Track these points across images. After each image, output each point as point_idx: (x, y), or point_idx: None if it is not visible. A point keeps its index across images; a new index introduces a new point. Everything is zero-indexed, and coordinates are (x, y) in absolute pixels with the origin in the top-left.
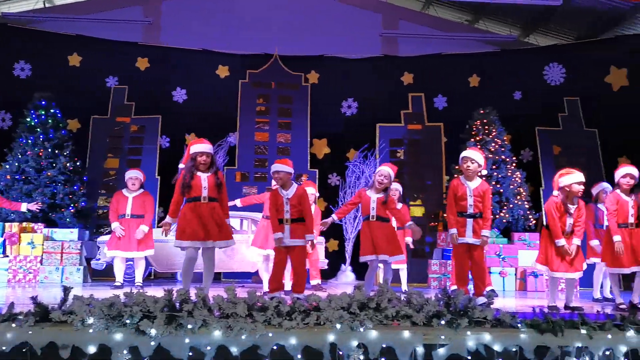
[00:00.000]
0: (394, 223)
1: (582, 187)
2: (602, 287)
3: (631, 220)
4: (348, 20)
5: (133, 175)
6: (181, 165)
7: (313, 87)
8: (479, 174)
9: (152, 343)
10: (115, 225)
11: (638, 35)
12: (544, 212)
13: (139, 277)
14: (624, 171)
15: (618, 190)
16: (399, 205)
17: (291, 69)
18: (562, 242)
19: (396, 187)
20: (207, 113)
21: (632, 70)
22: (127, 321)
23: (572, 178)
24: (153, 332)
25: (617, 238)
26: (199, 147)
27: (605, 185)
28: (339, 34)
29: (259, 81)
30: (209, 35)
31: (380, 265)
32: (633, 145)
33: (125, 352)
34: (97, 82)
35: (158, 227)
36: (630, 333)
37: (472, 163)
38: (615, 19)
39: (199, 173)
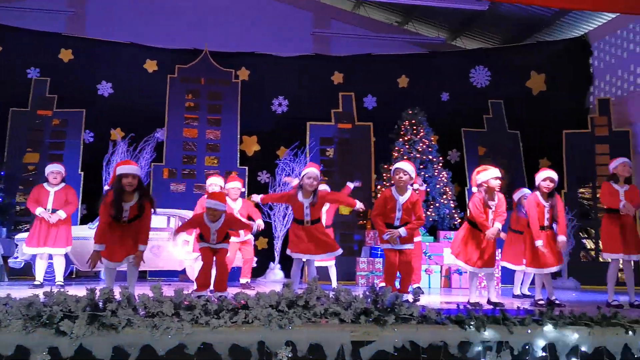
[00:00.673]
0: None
1: (498, 181)
2: (521, 283)
3: (546, 223)
4: (279, 17)
5: (54, 169)
6: (107, 187)
7: (243, 84)
8: (411, 185)
9: (73, 344)
10: (39, 210)
11: (555, 42)
12: (468, 210)
13: (59, 276)
14: (545, 175)
15: (537, 193)
16: (327, 206)
17: (221, 65)
18: (539, 242)
19: (324, 188)
20: (133, 108)
21: (550, 76)
22: (47, 321)
23: (488, 174)
24: (74, 332)
25: (539, 243)
26: (124, 168)
27: (526, 191)
28: (270, 32)
29: (188, 76)
30: (137, 29)
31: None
32: (552, 147)
33: (44, 353)
34: (17, 73)
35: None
36: (548, 328)
37: (405, 175)
38: (537, 24)
39: (124, 199)
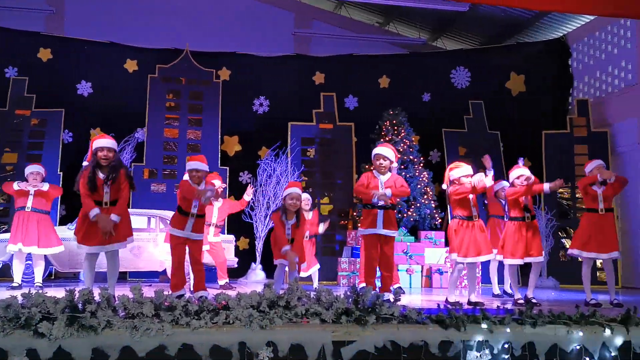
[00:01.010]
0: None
1: (469, 179)
2: (499, 282)
3: (526, 213)
4: (260, 17)
5: (34, 170)
6: (85, 163)
7: (224, 84)
8: (391, 169)
9: (52, 345)
10: (16, 183)
11: (535, 43)
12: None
13: (38, 277)
14: (518, 173)
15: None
16: (310, 215)
17: (202, 65)
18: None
19: (307, 197)
20: (113, 108)
21: (529, 77)
22: (25, 323)
23: (461, 171)
24: (53, 334)
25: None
26: (101, 142)
27: (505, 183)
28: (251, 31)
29: (169, 76)
30: (117, 28)
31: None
32: (531, 148)
33: (22, 355)
34: None
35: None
36: (527, 327)
37: (385, 160)
38: (517, 26)
39: (100, 175)
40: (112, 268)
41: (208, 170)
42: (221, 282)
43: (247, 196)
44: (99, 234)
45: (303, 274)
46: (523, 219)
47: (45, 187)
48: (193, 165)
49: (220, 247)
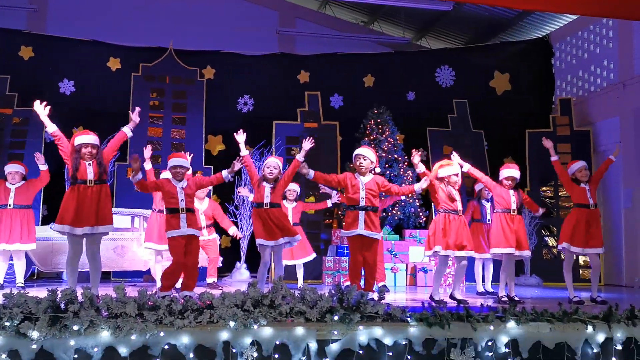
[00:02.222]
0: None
1: (457, 178)
2: (483, 280)
3: (513, 206)
4: (244, 16)
5: (12, 170)
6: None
7: (209, 83)
8: (372, 171)
9: (34, 346)
10: None
11: (518, 42)
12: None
13: (19, 277)
14: (506, 174)
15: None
16: (294, 204)
17: (186, 63)
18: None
19: (293, 188)
20: (96, 106)
21: (513, 76)
22: (7, 323)
23: (450, 170)
24: (35, 334)
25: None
26: (83, 138)
27: None
28: (235, 30)
29: (153, 75)
30: (100, 26)
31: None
32: (515, 146)
33: (4, 356)
34: None
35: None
36: (511, 324)
37: (365, 160)
38: (500, 25)
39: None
40: (95, 267)
41: (189, 167)
42: (209, 280)
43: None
44: (84, 215)
45: (289, 262)
46: (508, 212)
47: (44, 167)
48: (175, 162)
49: (215, 243)
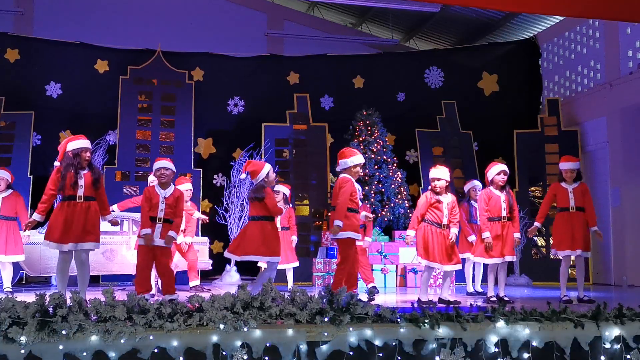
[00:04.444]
0: (278, 223)
1: (443, 182)
2: (473, 281)
3: (504, 213)
4: (233, 18)
5: None
6: (57, 163)
7: (198, 85)
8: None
9: (22, 351)
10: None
11: (506, 43)
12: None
13: (7, 282)
14: (499, 168)
15: (491, 188)
16: (286, 207)
17: (175, 65)
18: (486, 234)
19: (283, 190)
20: (84, 109)
21: (501, 77)
22: None
23: (435, 173)
24: (23, 339)
25: (486, 235)
26: (84, 142)
27: (476, 183)
28: (223, 32)
29: (141, 77)
30: (87, 28)
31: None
32: (504, 147)
33: None
34: None
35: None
36: (500, 324)
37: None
38: (488, 26)
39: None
40: (82, 271)
41: (175, 170)
42: (192, 283)
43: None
44: (73, 231)
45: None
46: (499, 219)
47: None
48: (161, 164)
49: (191, 247)
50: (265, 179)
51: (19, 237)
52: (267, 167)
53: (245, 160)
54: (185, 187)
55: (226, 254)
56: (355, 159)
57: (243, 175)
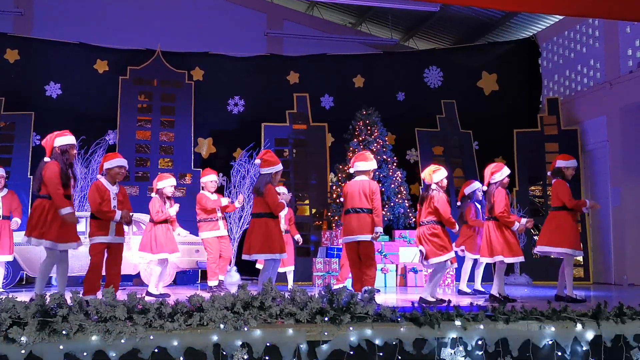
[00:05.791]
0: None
1: (446, 181)
2: (473, 280)
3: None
4: (232, 18)
5: None
6: (47, 159)
7: (198, 85)
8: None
9: (23, 351)
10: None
11: (505, 43)
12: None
13: None
14: (508, 171)
15: (500, 188)
16: (285, 210)
17: (175, 66)
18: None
19: (283, 191)
20: (84, 110)
21: (500, 76)
22: None
23: (438, 175)
24: (23, 339)
25: (519, 224)
26: (71, 139)
27: (478, 185)
28: (223, 32)
29: (141, 78)
30: (86, 29)
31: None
32: (504, 146)
33: None
34: None
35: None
36: (501, 323)
37: None
38: (487, 26)
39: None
40: (63, 270)
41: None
42: (210, 282)
43: (238, 203)
44: (72, 230)
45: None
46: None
47: (17, 222)
48: (116, 162)
49: (227, 239)
50: (274, 175)
51: (11, 235)
52: (280, 167)
53: (245, 159)
54: (210, 178)
55: (244, 257)
56: (374, 163)
57: (257, 161)
